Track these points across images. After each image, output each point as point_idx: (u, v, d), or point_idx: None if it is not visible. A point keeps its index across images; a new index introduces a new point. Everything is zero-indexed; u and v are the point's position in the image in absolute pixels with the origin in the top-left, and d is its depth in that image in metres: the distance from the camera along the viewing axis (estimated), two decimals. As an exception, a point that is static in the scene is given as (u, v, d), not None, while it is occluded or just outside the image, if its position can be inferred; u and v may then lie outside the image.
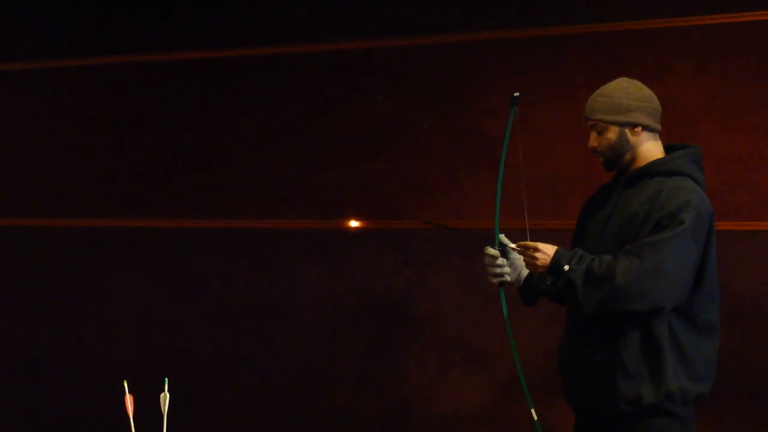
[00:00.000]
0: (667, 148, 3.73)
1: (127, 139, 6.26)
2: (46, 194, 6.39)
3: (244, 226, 6.02)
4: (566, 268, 3.54)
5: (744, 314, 5.10)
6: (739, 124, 5.13)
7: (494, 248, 3.74)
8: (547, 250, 3.62)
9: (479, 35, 5.60)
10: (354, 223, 5.82)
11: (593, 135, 3.71)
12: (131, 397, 3.76)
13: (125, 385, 3.77)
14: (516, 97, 3.79)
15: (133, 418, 3.74)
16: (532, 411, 3.75)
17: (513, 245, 3.74)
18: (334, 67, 5.91)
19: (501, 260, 3.73)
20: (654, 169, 3.65)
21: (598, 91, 3.72)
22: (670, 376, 3.53)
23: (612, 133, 3.67)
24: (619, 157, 3.69)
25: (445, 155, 5.67)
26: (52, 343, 6.31)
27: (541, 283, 3.79)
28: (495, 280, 3.77)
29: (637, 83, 3.72)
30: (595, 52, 5.36)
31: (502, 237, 3.75)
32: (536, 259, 3.62)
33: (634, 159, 3.70)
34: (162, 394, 3.75)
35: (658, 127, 3.71)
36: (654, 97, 3.71)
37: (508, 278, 3.76)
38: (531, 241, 3.67)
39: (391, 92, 5.79)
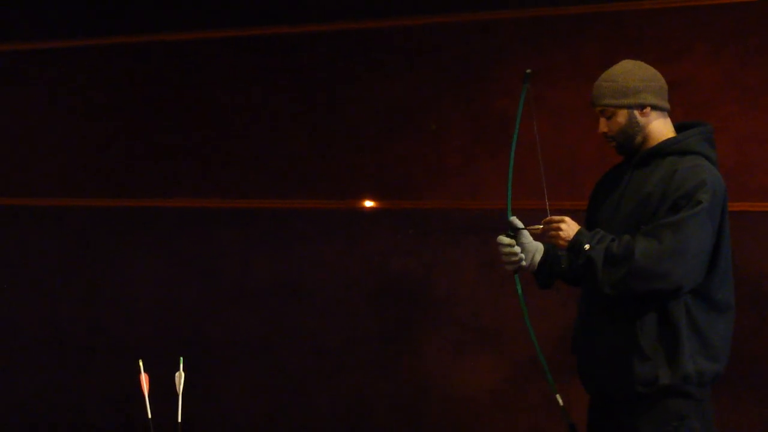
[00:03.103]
0: (679, 127, 3.72)
1: (144, 118, 6.27)
2: (62, 174, 6.41)
3: (261, 207, 6.03)
4: (587, 247, 3.53)
5: (762, 295, 5.07)
6: (757, 103, 5.09)
7: (507, 235, 3.72)
8: (571, 226, 3.62)
9: (497, 14, 5.58)
10: (370, 204, 5.81)
11: (603, 120, 3.70)
12: (147, 376, 3.79)
13: (141, 364, 3.80)
14: (529, 74, 3.77)
15: (149, 396, 3.76)
16: (558, 397, 3.75)
17: (528, 227, 3.72)
18: (352, 47, 5.89)
19: (516, 248, 3.71)
20: (666, 148, 3.64)
21: (603, 76, 3.71)
22: (687, 357, 3.53)
23: (621, 117, 3.67)
24: (630, 140, 3.69)
25: (463, 136, 5.66)
26: (69, 322, 6.33)
27: (557, 267, 3.78)
28: (511, 268, 3.76)
29: (641, 64, 3.71)
30: (613, 32, 5.33)
31: (514, 219, 3.73)
32: (560, 230, 3.61)
33: (645, 140, 3.69)
34: (177, 373, 3.78)
35: (667, 105, 3.70)
36: (659, 76, 3.70)
37: (524, 263, 3.75)
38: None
39: (409, 72, 5.77)
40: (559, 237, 3.62)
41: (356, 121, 5.85)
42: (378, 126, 5.81)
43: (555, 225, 3.63)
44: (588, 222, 3.81)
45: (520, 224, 3.73)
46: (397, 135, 5.78)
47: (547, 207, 3.72)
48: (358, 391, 5.84)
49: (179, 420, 3.80)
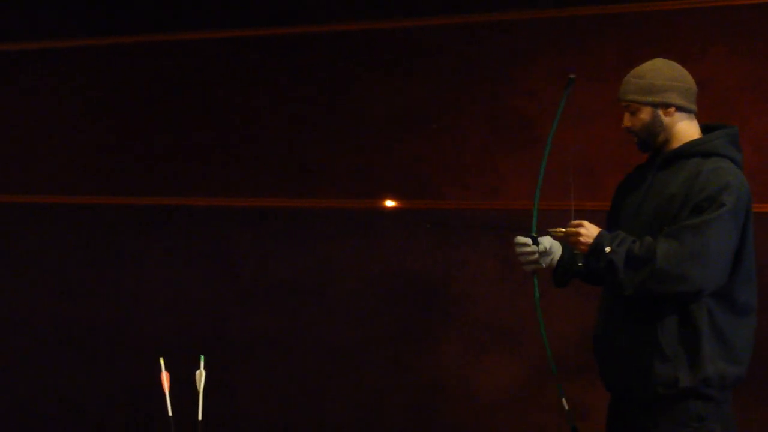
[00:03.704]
0: (704, 128, 3.71)
1: (163, 117, 6.28)
2: (82, 172, 6.43)
3: (280, 206, 6.04)
4: (607, 249, 3.53)
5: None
6: (778, 104, 5.09)
7: (525, 236, 3.73)
8: (591, 230, 3.62)
9: (516, 15, 5.58)
10: (390, 203, 5.82)
11: (627, 115, 3.71)
12: (167, 375, 3.80)
13: (162, 362, 3.81)
14: (572, 79, 3.78)
15: (170, 394, 3.78)
16: (563, 401, 3.76)
17: (550, 230, 3.73)
18: (372, 46, 5.90)
19: (533, 247, 3.72)
20: (691, 149, 3.64)
21: (632, 72, 3.72)
22: (708, 360, 3.52)
23: (645, 114, 3.66)
24: (652, 138, 3.68)
25: (482, 135, 5.66)
26: (89, 321, 6.35)
27: (574, 265, 3.78)
28: (528, 269, 3.77)
29: (672, 63, 3.70)
30: (631, 33, 5.33)
31: (551, 233, 3.75)
32: (580, 235, 3.61)
33: (668, 140, 3.68)
34: (198, 372, 3.79)
35: (693, 107, 3.69)
36: (689, 77, 3.69)
37: (543, 265, 3.76)
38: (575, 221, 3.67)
39: (429, 72, 5.78)
40: (579, 242, 3.63)
41: (376, 120, 5.86)
42: (398, 125, 5.81)
43: (574, 230, 3.63)
44: (610, 222, 3.82)
45: (553, 231, 3.75)
46: (415, 134, 5.78)
47: (573, 208, 3.73)
48: (375, 390, 5.85)
49: (200, 418, 3.81)
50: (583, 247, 3.62)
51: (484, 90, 5.65)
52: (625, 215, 3.73)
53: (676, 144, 3.67)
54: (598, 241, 3.58)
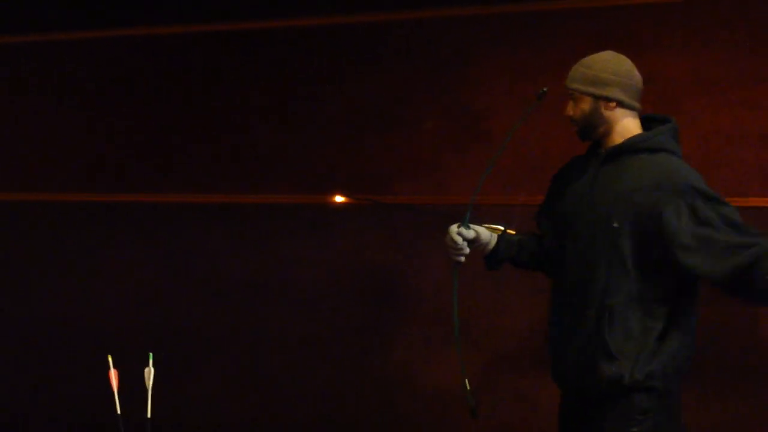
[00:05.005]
0: (643, 119, 3.72)
1: (116, 114, 6.24)
2: (31, 169, 6.38)
3: (233, 201, 6.02)
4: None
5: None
6: (724, 99, 5.12)
7: (457, 227, 3.76)
8: None
9: (466, 10, 5.59)
10: (340, 199, 5.81)
11: (570, 103, 3.72)
12: (116, 372, 3.78)
13: (110, 359, 3.79)
14: (545, 91, 3.78)
15: (118, 392, 3.75)
16: (466, 381, 3.78)
17: (487, 225, 3.77)
18: (322, 42, 5.89)
19: (463, 243, 3.74)
20: (637, 145, 3.64)
21: (582, 60, 3.73)
22: (654, 356, 3.55)
23: (585, 104, 3.68)
24: (592, 129, 3.69)
25: (432, 131, 5.67)
26: (38, 318, 6.30)
27: (507, 251, 3.83)
28: (454, 259, 3.78)
29: (622, 58, 3.71)
30: (579, 28, 5.35)
31: (491, 228, 3.78)
32: None
33: (608, 134, 3.68)
34: (146, 369, 3.77)
35: (636, 105, 3.69)
36: (636, 75, 3.70)
37: (462, 259, 3.79)
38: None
39: (379, 68, 5.78)
40: None
41: (327, 116, 5.85)
42: (349, 121, 5.82)
43: None
44: (546, 213, 3.84)
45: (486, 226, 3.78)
46: (367, 130, 5.78)
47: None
48: (327, 385, 5.84)
49: (149, 416, 3.79)
50: None
51: (433, 86, 5.65)
52: (570, 208, 3.72)
53: (617, 138, 3.68)
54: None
